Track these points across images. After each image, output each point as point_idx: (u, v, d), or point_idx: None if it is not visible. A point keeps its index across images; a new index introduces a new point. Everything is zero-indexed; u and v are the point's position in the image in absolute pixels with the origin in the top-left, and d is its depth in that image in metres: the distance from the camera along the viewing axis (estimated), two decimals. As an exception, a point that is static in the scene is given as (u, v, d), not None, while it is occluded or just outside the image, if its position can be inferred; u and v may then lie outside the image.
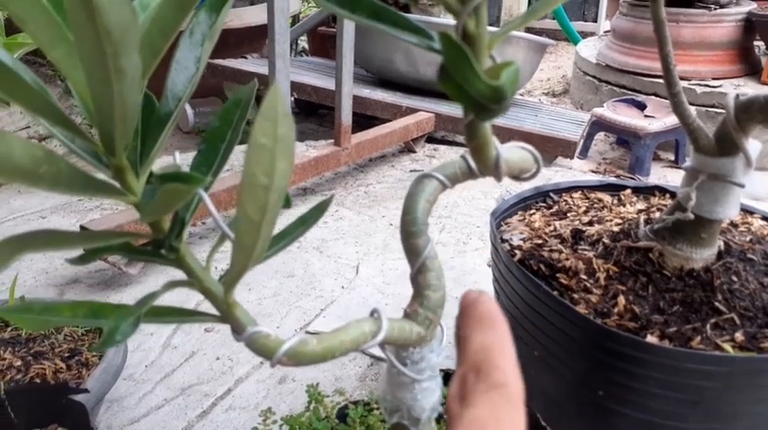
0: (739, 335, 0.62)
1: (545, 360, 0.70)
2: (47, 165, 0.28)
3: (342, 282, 1.35)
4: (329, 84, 2.18)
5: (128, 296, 1.28)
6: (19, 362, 0.82)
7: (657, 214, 0.82)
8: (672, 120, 2.30)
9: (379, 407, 0.59)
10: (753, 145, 0.61)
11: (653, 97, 2.60)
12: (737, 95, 0.60)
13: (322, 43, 3.37)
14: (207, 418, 0.97)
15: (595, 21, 5.28)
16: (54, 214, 1.69)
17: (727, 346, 0.60)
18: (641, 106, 2.48)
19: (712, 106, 2.70)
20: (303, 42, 3.85)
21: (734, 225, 0.80)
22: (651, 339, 0.61)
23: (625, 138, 2.33)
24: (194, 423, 0.96)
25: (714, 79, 2.85)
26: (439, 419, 0.60)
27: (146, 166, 0.35)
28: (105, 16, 0.24)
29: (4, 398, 0.64)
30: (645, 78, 2.86)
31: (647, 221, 0.74)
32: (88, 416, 0.63)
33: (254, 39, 2.86)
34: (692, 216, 0.65)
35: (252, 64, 2.60)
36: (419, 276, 0.47)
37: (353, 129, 1.87)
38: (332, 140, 1.87)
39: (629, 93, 2.88)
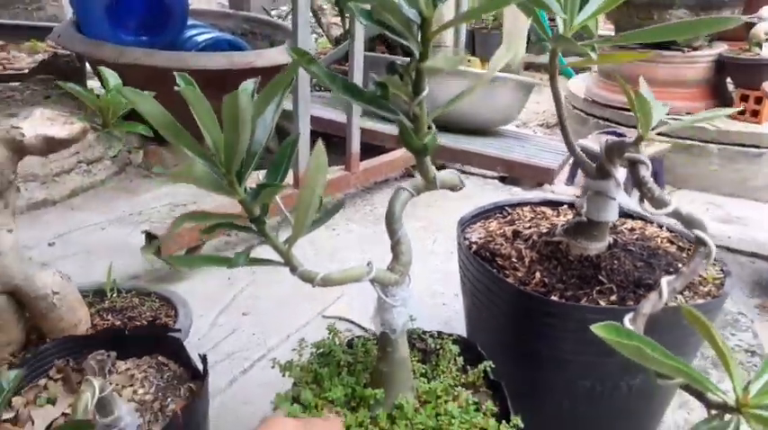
0: (614, 298, 0.93)
1: (490, 318, 1.01)
2: (207, 177, 0.61)
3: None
4: (341, 117, 2.52)
5: (181, 289, 1.60)
6: (119, 322, 1.14)
7: (579, 221, 1.13)
8: (649, 150, 2.61)
9: (374, 340, 0.90)
10: (620, 172, 0.93)
11: (633, 129, 2.91)
12: (606, 140, 0.92)
13: (335, 79, 3.72)
14: (248, 374, 1.28)
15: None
16: (111, 225, 2.03)
17: (603, 303, 0.91)
18: (622, 137, 2.79)
19: (687, 138, 3.02)
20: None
21: (631, 229, 1.11)
22: (553, 298, 0.92)
23: (602, 166, 2.64)
24: (238, 377, 1.27)
25: (688, 114, 3.15)
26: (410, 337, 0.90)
27: (243, 181, 0.68)
28: (243, 114, 0.57)
29: (127, 334, 0.96)
30: (626, 112, 3.17)
31: (563, 225, 1.06)
32: (184, 347, 0.94)
33: (275, 76, 3.21)
34: (585, 219, 0.97)
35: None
36: (396, 247, 0.79)
37: (362, 156, 2.20)
38: (342, 166, 2.20)
39: (613, 125, 3.20)
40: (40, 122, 1.05)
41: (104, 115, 1.10)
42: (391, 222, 0.78)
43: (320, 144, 0.60)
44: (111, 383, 0.88)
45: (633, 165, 0.85)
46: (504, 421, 0.74)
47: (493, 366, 0.85)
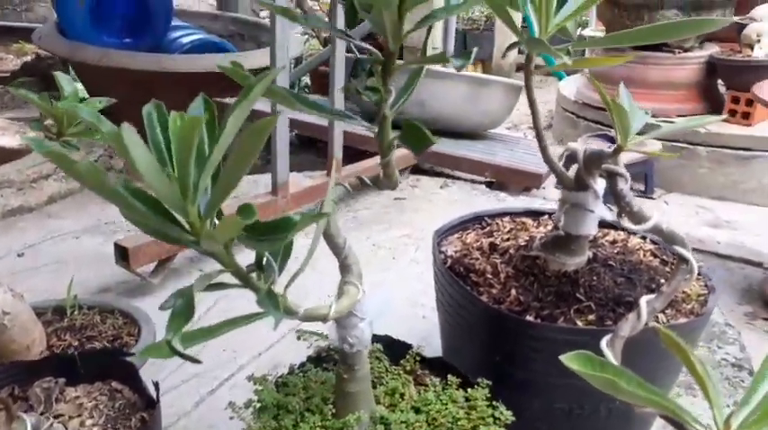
0: (592, 317, 0.88)
1: (464, 336, 0.96)
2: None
3: (327, 292, 1.61)
4: (325, 121, 2.47)
5: (150, 302, 1.54)
6: (76, 343, 1.08)
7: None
8: (636, 155, 2.55)
9: (318, 368, 0.88)
10: (599, 183, 0.88)
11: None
12: (585, 150, 0.87)
13: (322, 81, 3.68)
14: (215, 394, 1.23)
15: (583, 55, 5.60)
16: (85, 234, 1.97)
17: (580, 323, 0.86)
18: (613, 141, 2.73)
19: (676, 141, 2.96)
20: (306, 79, 4.17)
21: (613, 241, 1.06)
22: (529, 318, 0.87)
23: (594, 170, 2.59)
24: (205, 397, 1.22)
25: (679, 116, 3.09)
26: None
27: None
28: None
29: (77, 358, 0.90)
30: (616, 115, 3.11)
31: (541, 238, 1.01)
32: (138, 373, 0.88)
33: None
34: (563, 233, 0.92)
35: (257, 102, 2.89)
36: (345, 260, 0.74)
37: (347, 161, 2.15)
38: (326, 171, 2.14)
39: (604, 128, 3.14)
40: (-11, 132, 0.99)
41: (59, 124, 1.04)
42: (333, 238, 0.75)
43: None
44: (53, 416, 0.82)
45: (611, 178, 0.80)
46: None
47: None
